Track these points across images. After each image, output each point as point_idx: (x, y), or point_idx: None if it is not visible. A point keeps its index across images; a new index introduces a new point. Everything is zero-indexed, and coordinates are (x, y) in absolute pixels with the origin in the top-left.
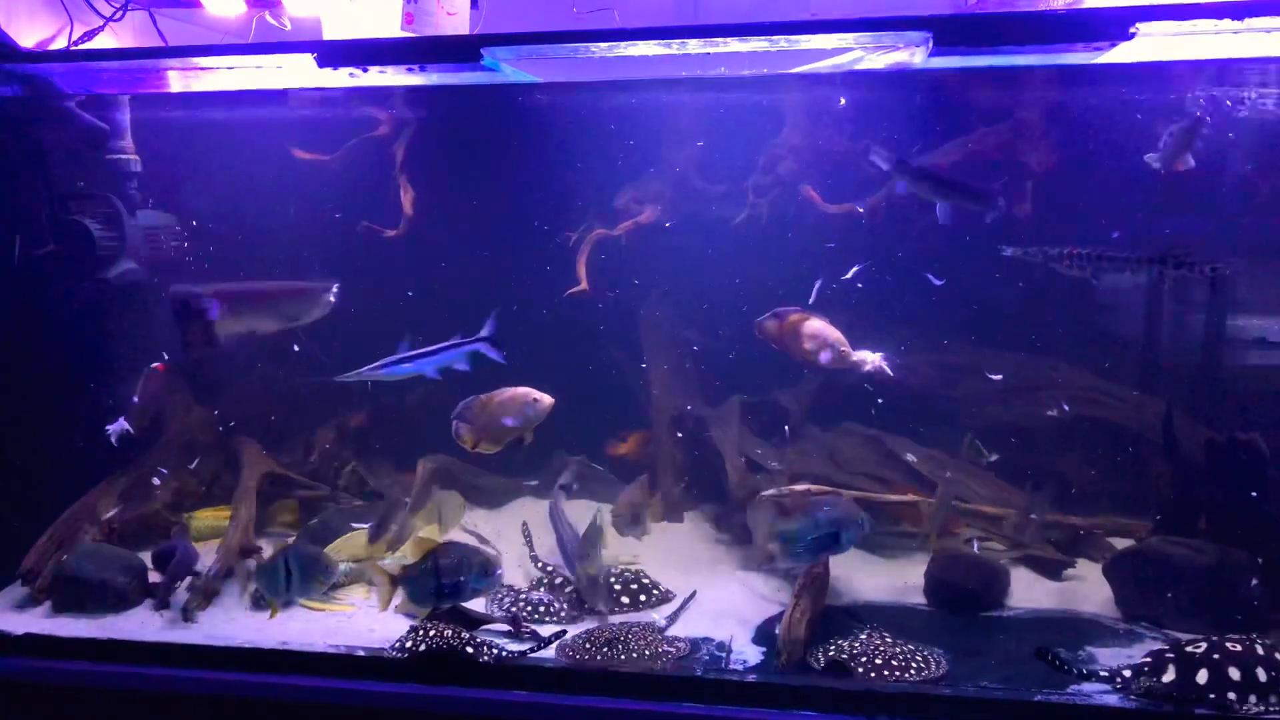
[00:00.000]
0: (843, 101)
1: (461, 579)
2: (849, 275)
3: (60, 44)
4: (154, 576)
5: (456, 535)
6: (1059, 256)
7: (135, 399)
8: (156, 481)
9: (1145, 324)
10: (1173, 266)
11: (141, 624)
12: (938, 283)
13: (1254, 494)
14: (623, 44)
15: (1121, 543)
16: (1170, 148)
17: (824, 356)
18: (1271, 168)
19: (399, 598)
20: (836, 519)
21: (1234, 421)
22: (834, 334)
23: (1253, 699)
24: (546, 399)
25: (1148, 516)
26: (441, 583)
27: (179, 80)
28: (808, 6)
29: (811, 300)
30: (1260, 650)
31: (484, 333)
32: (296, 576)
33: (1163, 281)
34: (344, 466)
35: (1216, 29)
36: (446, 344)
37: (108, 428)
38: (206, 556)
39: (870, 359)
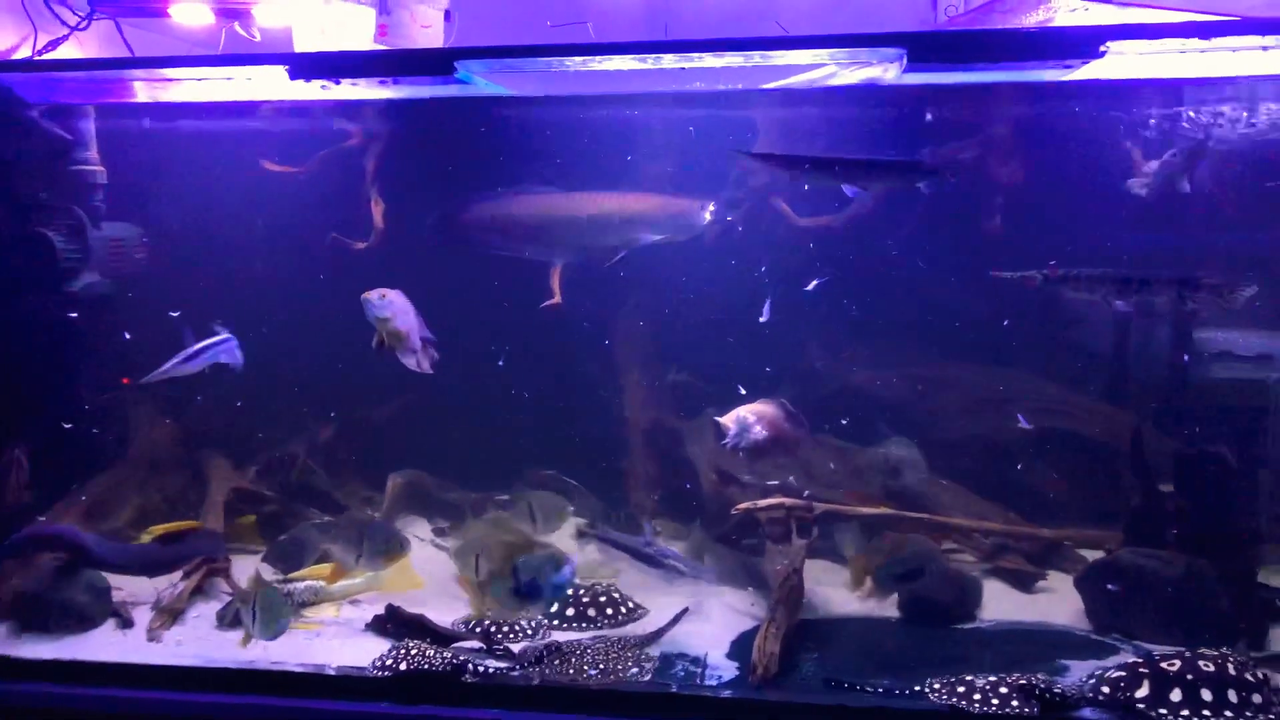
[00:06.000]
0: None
1: (539, 579)
2: (811, 285)
3: (24, 53)
4: (118, 595)
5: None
6: (1065, 279)
7: None
8: (83, 498)
9: (1114, 337)
10: (1193, 289)
11: (106, 644)
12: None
13: (1221, 505)
14: (597, 58)
15: (1093, 555)
16: (1172, 170)
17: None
18: (1236, 184)
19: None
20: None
21: (1202, 434)
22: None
23: (1228, 714)
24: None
25: (1118, 528)
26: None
27: (146, 91)
28: (776, 22)
29: (764, 318)
30: (1231, 669)
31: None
32: (260, 618)
33: (1184, 302)
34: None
35: (1184, 49)
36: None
37: None
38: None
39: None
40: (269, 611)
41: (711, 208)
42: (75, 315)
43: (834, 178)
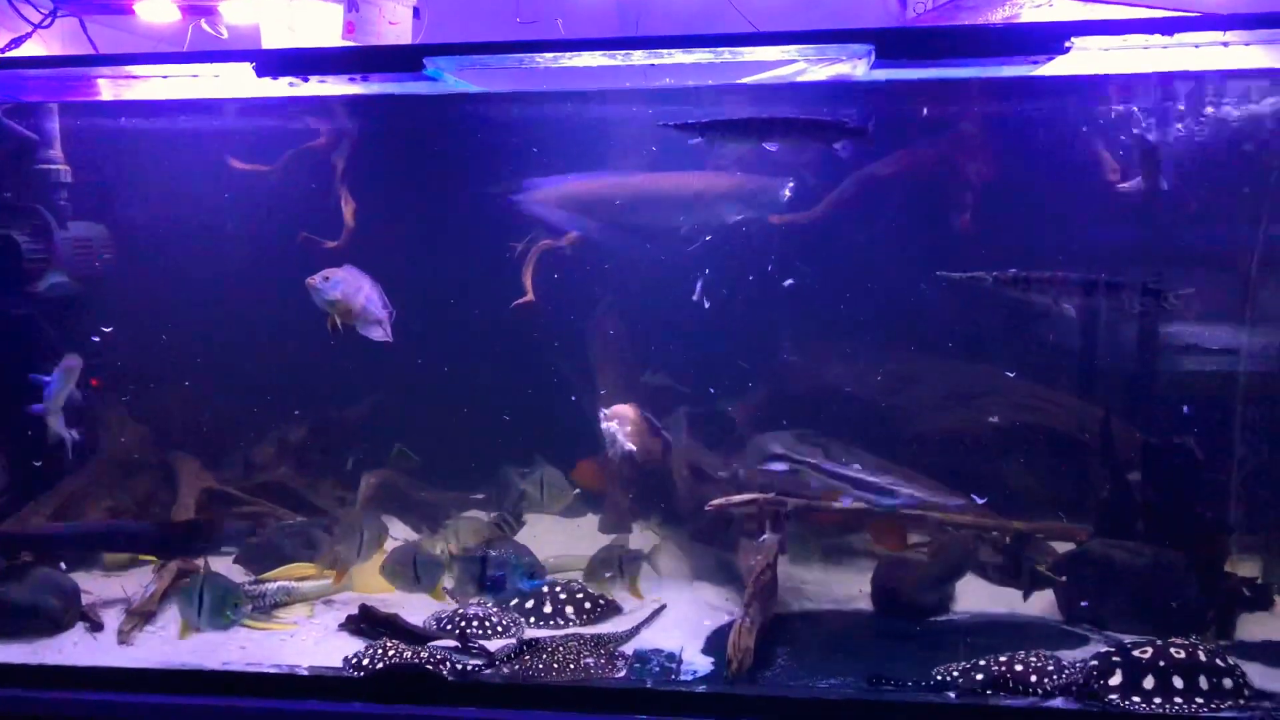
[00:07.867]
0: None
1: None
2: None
3: None
4: (87, 598)
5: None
6: (1014, 281)
7: None
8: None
9: (1082, 331)
10: (1139, 291)
11: (76, 647)
12: None
13: (1187, 496)
14: (567, 54)
15: (1063, 546)
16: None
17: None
18: (1200, 180)
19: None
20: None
21: (1169, 426)
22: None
23: (1199, 700)
24: None
25: (1088, 520)
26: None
27: (110, 89)
28: (739, 11)
29: (696, 297)
30: (1202, 656)
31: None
32: (207, 605)
33: (1131, 305)
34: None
35: (1147, 44)
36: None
37: None
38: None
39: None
40: (216, 601)
41: (791, 184)
42: (28, 312)
43: (755, 136)
